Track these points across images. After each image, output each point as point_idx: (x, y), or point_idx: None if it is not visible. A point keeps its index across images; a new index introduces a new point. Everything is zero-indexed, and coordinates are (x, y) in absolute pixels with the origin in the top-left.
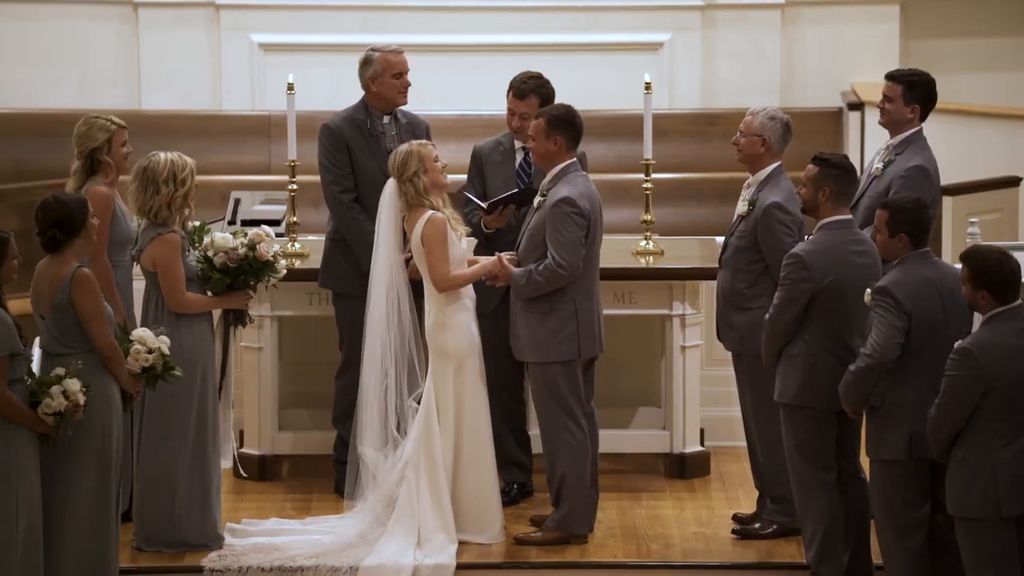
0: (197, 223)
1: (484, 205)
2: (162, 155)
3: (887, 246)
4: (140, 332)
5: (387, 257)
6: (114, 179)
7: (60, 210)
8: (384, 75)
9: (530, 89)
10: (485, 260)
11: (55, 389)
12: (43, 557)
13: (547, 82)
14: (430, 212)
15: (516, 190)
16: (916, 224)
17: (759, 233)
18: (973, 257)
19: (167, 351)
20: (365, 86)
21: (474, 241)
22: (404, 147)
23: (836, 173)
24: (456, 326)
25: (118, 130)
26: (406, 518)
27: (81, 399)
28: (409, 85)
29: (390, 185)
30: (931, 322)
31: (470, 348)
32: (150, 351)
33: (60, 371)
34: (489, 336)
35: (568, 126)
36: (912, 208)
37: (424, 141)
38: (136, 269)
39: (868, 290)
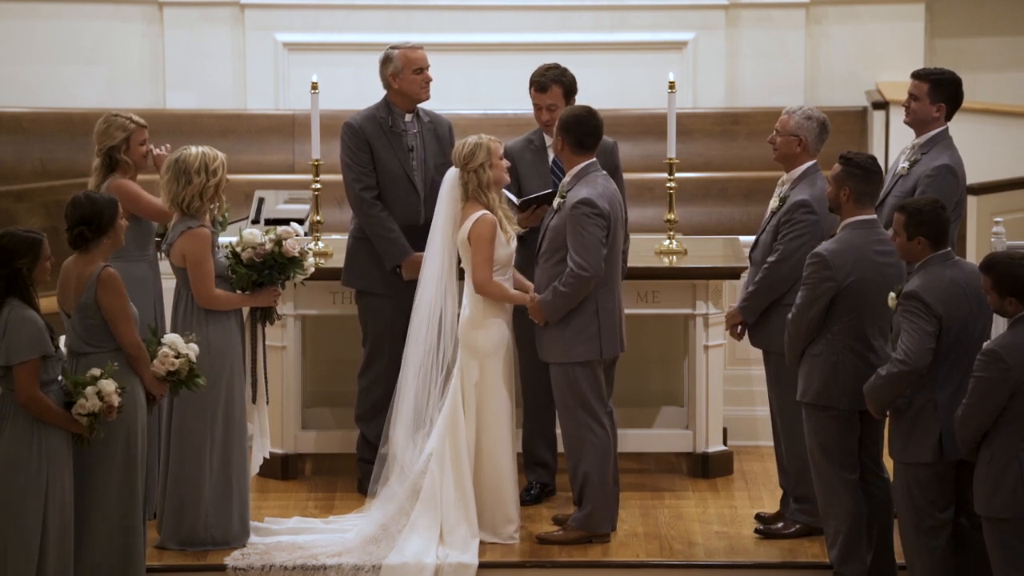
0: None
1: (517, 203)
2: (193, 148)
3: (906, 249)
4: (171, 337)
5: (441, 245)
6: (133, 177)
7: (90, 208)
8: (405, 71)
9: (551, 80)
10: (526, 294)
11: (90, 390)
12: (78, 554)
13: (566, 71)
14: (481, 212)
15: (550, 190)
16: (934, 226)
17: (780, 226)
18: (995, 266)
19: (195, 359)
20: (386, 84)
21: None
22: (473, 138)
23: (857, 173)
24: (488, 325)
25: (137, 129)
26: (429, 510)
27: (116, 400)
28: (430, 80)
29: (452, 174)
30: (960, 324)
31: (498, 347)
32: (178, 355)
33: (96, 372)
34: (528, 334)
35: (570, 130)
36: (929, 210)
37: (492, 136)
38: (165, 267)
39: (892, 293)
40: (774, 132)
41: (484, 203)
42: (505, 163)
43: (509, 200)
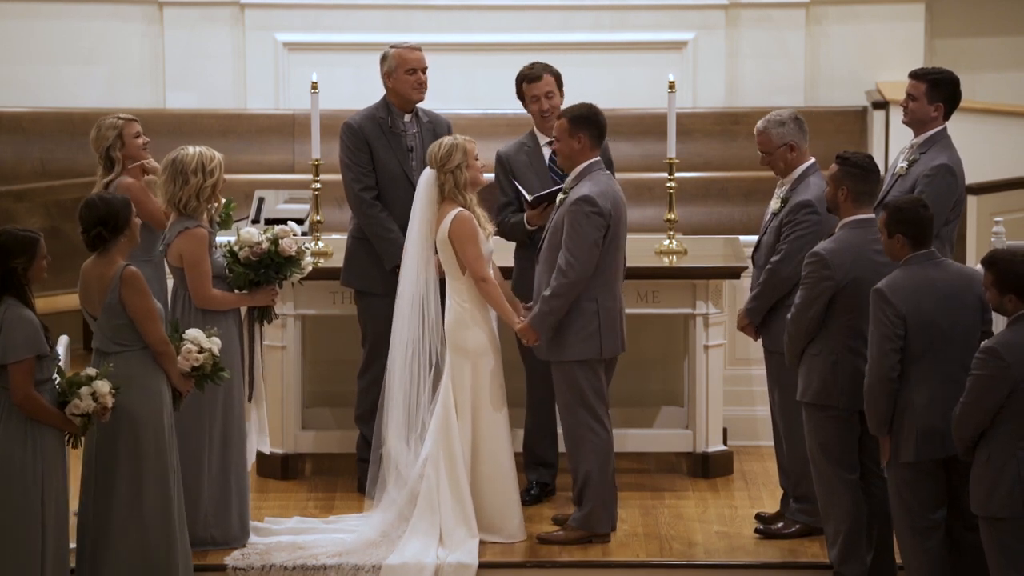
0: (224, 200)
1: (529, 199)
2: (191, 148)
3: (888, 247)
4: (193, 332)
5: (418, 248)
6: (136, 174)
7: (105, 209)
8: (398, 71)
9: (541, 69)
10: (515, 314)
11: (84, 390)
12: (105, 556)
13: (549, 64)
14: (457, 209)
15: (561, 186)
16: (913, 225)
17: (782, 227)
18: (996, 263)
19: (218, 352)
20: (384, 83)
21: (500, 240)
22: (448, 139)
23: (855, 172)
24: (476, 324)
25: (126, 123)
26: (428, 514)
27: (109, 402)
28: (423, 82)
29: (427, 175)
30: (933, 323)
31: (488, 346)
32: (201, 351)
33: (91, 372)
34: None
35: (591, 123)
36: (910, 209)
37: (468, 137)
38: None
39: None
40: (761, 154)
41: (461, 203)
42: (480, 163)
43: (522, 196)
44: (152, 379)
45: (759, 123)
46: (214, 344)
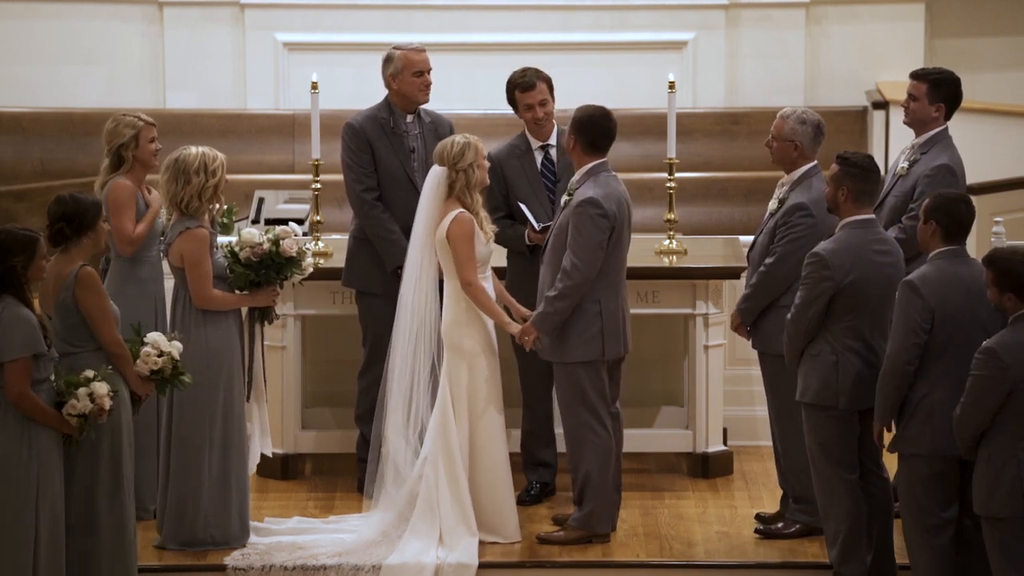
0: (226, 206)
1: (537, 227)
2: (193, 148)
3: (920, 232)
4: (153, 335)
5: (422, 246)
6: (140, 176)
7: (73, 206)
8: (404, 73)
9: (534, 76)
10: (513, 323)
11: (82, 391)
12: (85, 553)
13: (540, 69)
14: (458, 210)
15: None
16: (949, 215)
17: (776, 228)
18: (996, 261)
19: (178, 356)
20: (387, 84)
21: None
22: (459, 137)
23: (855, 172)
24: (472, 324)
25: (145, 126)
26: (427, 514)
27: (107, 403)
28: (430, 84)
29: (437, 172)
30: (957, 319)
31: (484, 347)
32: (160, 354)
33: (89, 373)
34: None
35: (585, 131)
36: (950, 199)
37: (476, 137)
38: (165, 267)
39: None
40: (770, 136)
41: (467, 203)
42: (487, 164)
43: (529, 222)
44: (110, 382)
45: (786, 108)
46: (174, 348)
